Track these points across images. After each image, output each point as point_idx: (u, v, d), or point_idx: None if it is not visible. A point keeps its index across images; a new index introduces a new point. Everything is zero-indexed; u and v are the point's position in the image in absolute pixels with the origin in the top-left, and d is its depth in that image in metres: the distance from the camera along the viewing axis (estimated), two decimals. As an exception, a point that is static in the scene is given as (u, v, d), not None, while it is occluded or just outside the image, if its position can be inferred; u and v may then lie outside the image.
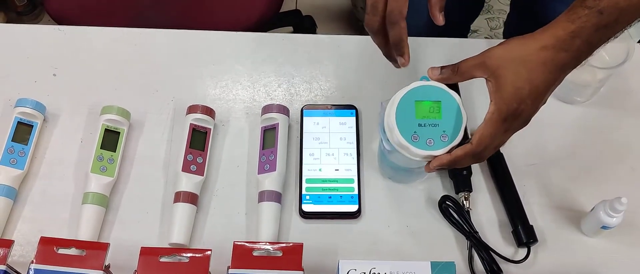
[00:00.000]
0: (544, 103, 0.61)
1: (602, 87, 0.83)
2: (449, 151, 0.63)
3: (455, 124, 0.64)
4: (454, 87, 0.67)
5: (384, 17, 0.64)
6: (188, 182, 0.76)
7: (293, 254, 0.66)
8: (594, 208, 0.72)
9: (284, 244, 0.67)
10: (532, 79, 0.58)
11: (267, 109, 0.81)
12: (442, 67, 0.64)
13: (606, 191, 0.74)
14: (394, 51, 0.67)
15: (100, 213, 0.75)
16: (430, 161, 0.65)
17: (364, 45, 0.90)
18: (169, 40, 0.91)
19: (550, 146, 0.81)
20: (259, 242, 0.67)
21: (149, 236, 0.75)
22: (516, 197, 0.76)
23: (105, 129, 0.79)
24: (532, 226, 0.74)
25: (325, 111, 0.83)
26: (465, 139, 0.64)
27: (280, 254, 0.66)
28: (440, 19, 0.66)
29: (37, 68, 0.88)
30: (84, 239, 0.72)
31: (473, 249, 0.73)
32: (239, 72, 0.88)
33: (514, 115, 0.59)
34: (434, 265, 0.64)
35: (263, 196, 0.75)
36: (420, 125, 0.64)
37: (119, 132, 0.80)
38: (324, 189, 0.77)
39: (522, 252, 0.73)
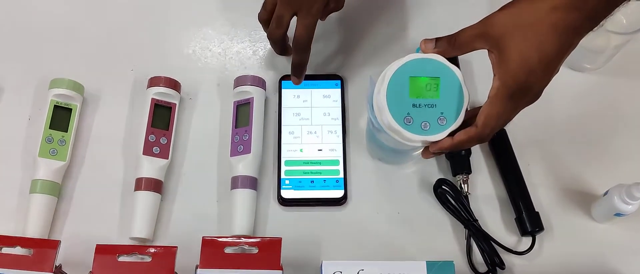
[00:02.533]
0: (557, 72, 0.55)
1: (616, 54, 0.76)
2: (450, 134, 0.57)
3: (455, 104, 0.57)
4: (453, 59, 0.59)
5: (286, 31, 0.68)
6: (150, 167, 0.69)
7: (270, 250, 0.62)
8: (607, 192, 0.66)
9: (259, 239, 0.62)
10: (541, 45, 0.52)
11: (240, 81, 0.74)
12: (437, 39, 0.58)
13: (621, 172, 0.69)
14: (291, 71, 0.71)
15: (51, 203, 0.68)
16: (427, 146, 0.58)
17: (352, 7, 0.81)
18: (128, 1, 0.82)
19: (557, 120, 0.75)
20: (232, 236, 0.62)
21: (107, 228, 0.69)
22: (520, 180, 0.70)
23: (55, 105, 0.72)
24: (537, 212, 0.68)
25: (306, 81, 0.75)
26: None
27: (256, 251, 0.62)
28: None
29: (-24, 35, 0.80)
30: (33, 234, 0.66)
31: (472, 239, 0.68)
32: (208, 36, 0.81)
33: (522, 89, 0.54)
34: (430, 266, 0.58)
35: (236, 182, 0.69)
36: (414, 105, 0.57)
37: (70, 109, 0.73)
38: (305, 173, 0.71)
39: (527, 241, 0.68)
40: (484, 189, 0.71)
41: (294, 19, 0.66)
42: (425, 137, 0.57)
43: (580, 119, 0.75)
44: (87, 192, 0.71)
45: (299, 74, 0.71)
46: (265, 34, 0.70)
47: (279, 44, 0.71)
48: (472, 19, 0.57)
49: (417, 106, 0.57)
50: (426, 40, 0.58)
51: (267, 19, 0.69)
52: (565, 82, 0.76)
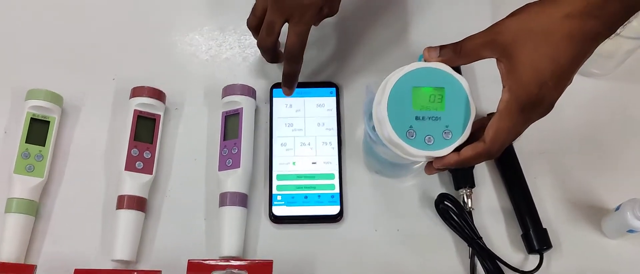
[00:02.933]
0: (570, 83, 0.52)
1: (627, 58, 0.72)
2: (456, 149, 0.53)
3: (461, 117, 0.53)
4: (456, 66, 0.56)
5: (277, 39, 0.64)
6: (133, 184, 0.65)
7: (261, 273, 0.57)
8: (620, 206, 0.63)
9: (249, 262, 0.59)
10: (555, 56, 0.49)
11: (228, 90, 0.70)
12: (442, 47, 0.54)
13: (633, 185, 0.66)
14: (282, 81, 0.67)
15: (28, 224, 0.64)
16: (431, 162, 0.55)
17: (348, 9, 0.77)
18: (109, 4, 0.78)
19: (564, 129, 0.71)
20: (219, 259, 0.59)
21: (87, 250, 0.65)
22: (526, 194, 0.67)
23: (32, 118, 0.68)
24: (545, 229, 0.65)
25: (299, 89, 0.71)
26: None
27: (246, 275, 0.58)
28: None
29: (-53, 41, 0.75)
30: (8, 257, 0.62)
31: (476, 257, 0.64)
32: (194, 43, 0.76)
33: (533, 102, 0.51)
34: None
35: (225, 199, 0.65)
36: (417, 118, 0.53)
37: (48, 122, 0.68)
38: (298, 188, 0.67)
39: (534, 259, 0.64)
40: (488, 203, 0.68)
41: (286, 25, 0.63)
42: (429, 152, 0.53)
43: (589, 127, 0.71)
44: (66, 211, 0.67)
45: (291, 85, 0.66)
46: (255, 41, 0.66)
47: (270, 52, 0.66)
48: (478, 21, 0.54)
49: (421, 118, 0.53)
50: (430, 49, 0.54)
51: (256, 25, 0.65)
52: (572, 88, 0.71)
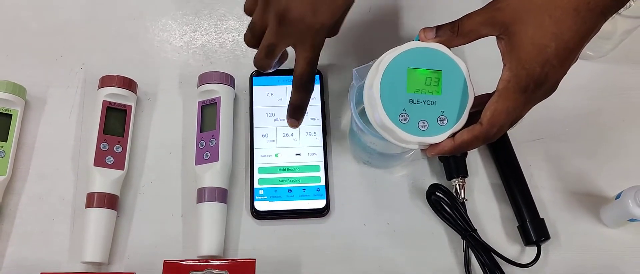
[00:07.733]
0: (575, 61, 0.51)
1: (625, 39, 0.70)
2: (452, 135, 0.52)
3: (458, 103, 0.51)
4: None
5: (276, 60, 0.58)
6: (103, 180, 0.62)
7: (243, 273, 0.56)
8: (620, 195, 0.61)
9: (230, 261, 0.57)
10: (559, 32, 0.48)
11: (204, 78, 0.67)
12: (438, 27, 0.52)
13: (633, 171, 0.65)
14: (288, 112, 0.60)
15: None
16: (425, 148, 0.53)
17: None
18: (76, -12, 0.76)
19: (559, 114, 0.70)
20: (198, 259, 0.57)
21: (56, 252, 0.63)
22: (522, 183, 0.65)
23: None
24: (542, 219, 0.63)
25: (281, 77, 0.69)
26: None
27: (227, 275, 0.56)
28: None
29: None
30: None
31: (470, 250, 0.62)
32: (167, 28, 0.74)
33: (536, 82, 0.49)
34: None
35: (203, 195, 0.62)
36: (411, 101, 0.51)
37: (10, 115, 0.66)
38: (282, 181, 0.65)
39: (531, 252, 0.63)
40: (482, 193, 0.66)
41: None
42: (422, 138, 0.51)
43: (585, 112, 0.70)
44: (32, 210, 0.64)
45: (299, 116, 0.60)
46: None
47: (268, 70, 0.60)
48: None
49: (415, 102, 0.51)
50: (426, 29, 0.52)
51: (255, 44, 0.58)
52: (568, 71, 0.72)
